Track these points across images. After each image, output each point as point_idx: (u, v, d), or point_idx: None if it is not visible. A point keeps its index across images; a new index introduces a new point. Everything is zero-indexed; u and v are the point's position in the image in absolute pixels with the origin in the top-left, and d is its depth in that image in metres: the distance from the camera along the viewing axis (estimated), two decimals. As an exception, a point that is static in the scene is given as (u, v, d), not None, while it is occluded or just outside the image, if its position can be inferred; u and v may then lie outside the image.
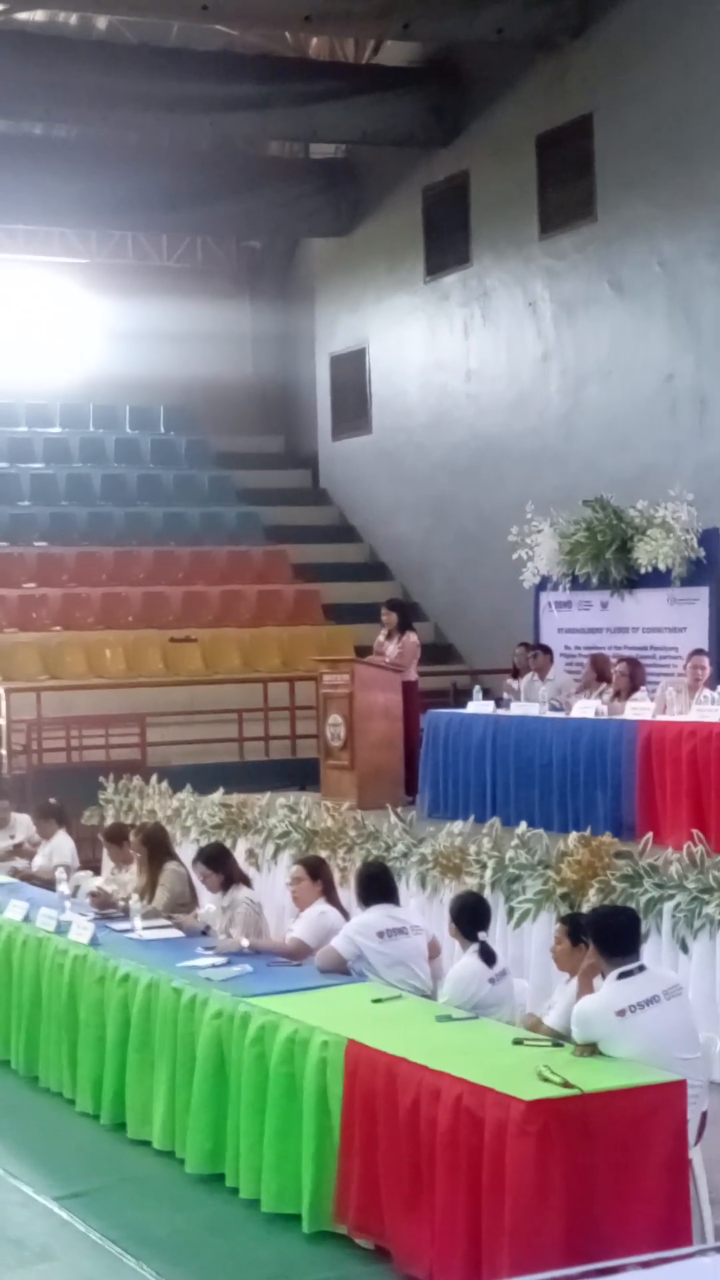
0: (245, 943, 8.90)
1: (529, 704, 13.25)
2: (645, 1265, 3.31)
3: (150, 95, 20.03)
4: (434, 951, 8.66)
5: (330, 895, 9.23)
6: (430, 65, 21.22)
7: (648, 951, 7.44)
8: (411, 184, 21.89)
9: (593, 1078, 6.14)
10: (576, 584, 14.84)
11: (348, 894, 9.65)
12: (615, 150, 17.96)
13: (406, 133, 21.08)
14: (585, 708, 12.31)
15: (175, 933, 9.64)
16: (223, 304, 26.52)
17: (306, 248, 25.68)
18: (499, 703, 13.67)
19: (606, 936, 6.78)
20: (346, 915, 8.99)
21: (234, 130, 21.89)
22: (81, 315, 26.01)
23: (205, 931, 9.61)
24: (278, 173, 24.16)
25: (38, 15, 21.83)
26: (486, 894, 9.48)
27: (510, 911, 10.02)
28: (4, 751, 17.05)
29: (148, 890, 10.30)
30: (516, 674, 14.71)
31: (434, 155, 21.26)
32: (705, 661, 12.15)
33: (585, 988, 6.82)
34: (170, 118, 20.79)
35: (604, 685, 13.07)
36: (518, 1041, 6.78)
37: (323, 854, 10.90)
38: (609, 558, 14.29)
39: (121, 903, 10.31)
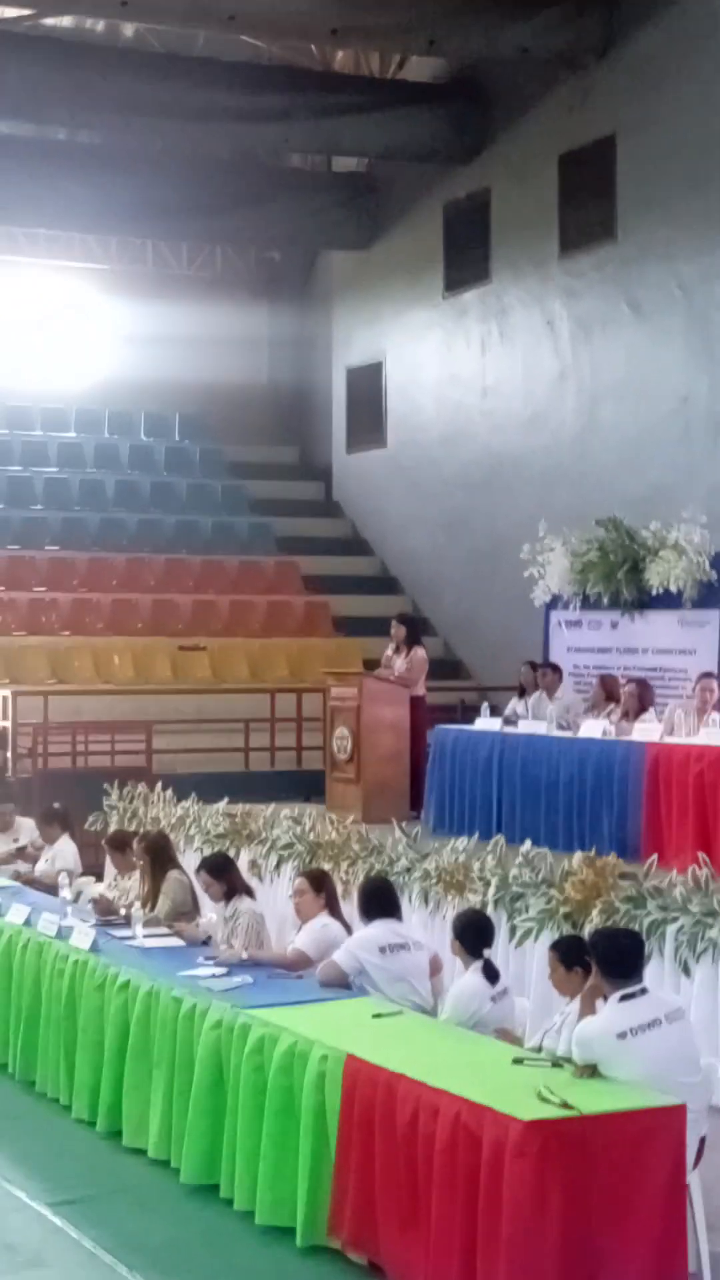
0: (244, 954, 8.88)
1: (536, 722, 13.23)
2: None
3: (174, 104, 20.07)
4: (435, 968, 8.64)
5: (333, 908, 9.21)
6: (454, 82, 21.26)
7: (650, 974, 7.41)
8: (432, 199, 21.92)
9: (592, 1099, 6.12)
10: (587, 603, 14.82)
11: (350, 907, 9.63)
12: (637, 171, 17.97)
13: (429, 148, 21.11)
14: (593, 728, 12.29)
15: (176, 941, 9.62)
16: (240, 313, 26.54)
17: (326, 260, 25.71)
18: (506, 720, 13.65)
19: (609, 958, 6.76)
20: (349, 929, 8.97)
21: (256, 141, 21.92)
22: (99, 321, 26.06)
23: (206, 941, 9.59)
24: (299, 184, 24.20)
25: (65, 21, 21.89)
26: (489, 911, 9.45)
27: (513, 930, 9.99)
28: (9, 755, 17.04)
29: (150, 898, 10.28)
30: (523, 692, 14.69)
31: (455, 171, 21.29)
32: (715, 685, 12.12)
33: (587, 1009, 6.80)
34: (193, 126, 20.83)
35: (612, 705, 13.04)
36: (517, 1061, 6.76)
37: (326, 867, 10.88)
38: (620, 578, 14.26)
39: (123, 910, 10.30)
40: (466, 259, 21.12)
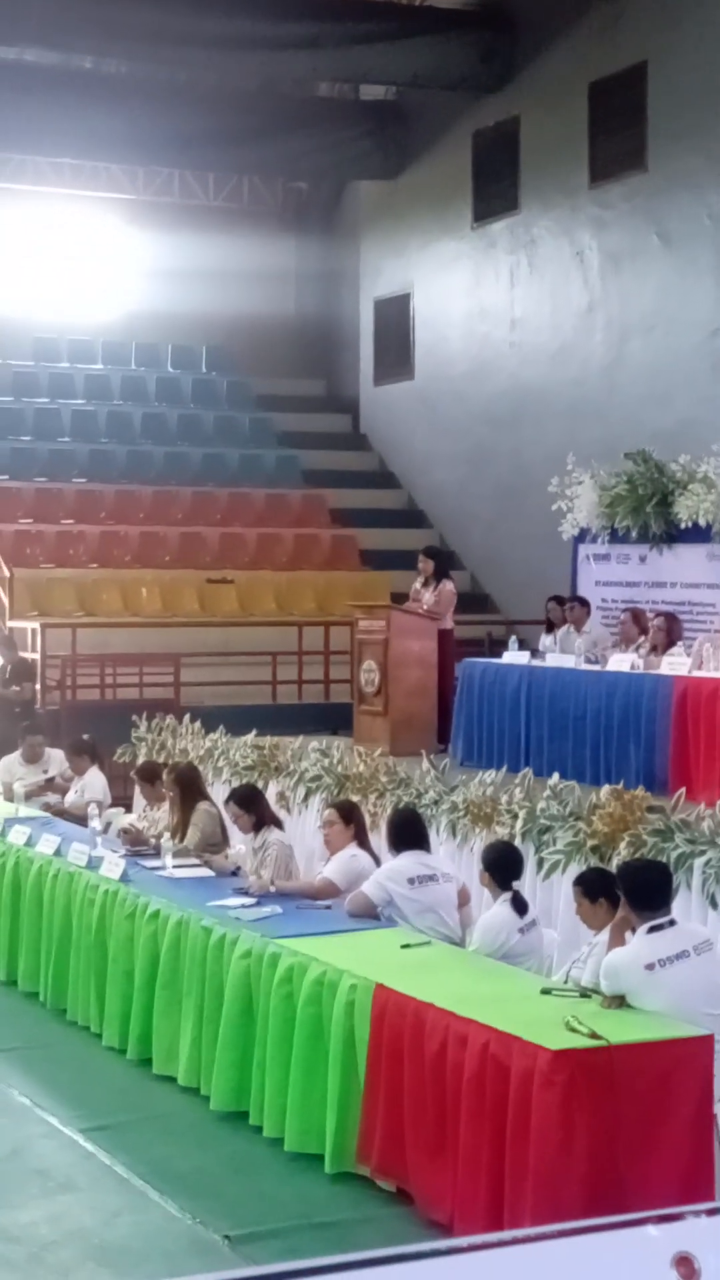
0: (272, 886, 8.94)
1: (564, 655, 13.22)
2: (665, 1219, 3.31)
3: (200, 33, 19.89)
4: (464, 899, 8.69)
5: (362, 839, 9.27)
6: (483, 9, 21.00)
7: (678, 907, 7.44)
8: (461, 129, 21.72)
9: (620, 1030, 6.16)
10: (615, 537, 14.77)
11: (378, 840, 9.67)
12: (667, 101, 17.77)
13: (457, 76, 20.89)
14: (621, 661, 12.28)
15: (206, 872, 9.70)
16: (267, 245, 26.36)
17: (353, 190, 25.52)
18: (534, 654, 13.64)
19: (638, 890, 6.79)
20: (378, 860, 9.02)
21: (283, 70, 21.71)
22: (126, 252, 25.92)
23: (236, 872, 9.65)
24: (326, 114, 23.99)
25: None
26: (517, 844, 9.48)
27: (540, 862, 10.01)
28: (39, 687, 17.10)
29: (179, 829, 10.35)
30: (550, 628, 14.67)
31: (484, 100, 21.07)
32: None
33: (617, 941, 6.83)
34: (220, 56, 20.65)
35: (642, 639, 13.03)
36: (546, 991, 6.80)
37: (354, 799, 10.92)
38: (649, 511, 14.21)
39: (153, 840, 10.37)
40: (495, 189, 20.94)
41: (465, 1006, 6.54)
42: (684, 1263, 3.15)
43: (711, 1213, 3.34)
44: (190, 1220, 6.61)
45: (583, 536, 15.22)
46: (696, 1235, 3.22)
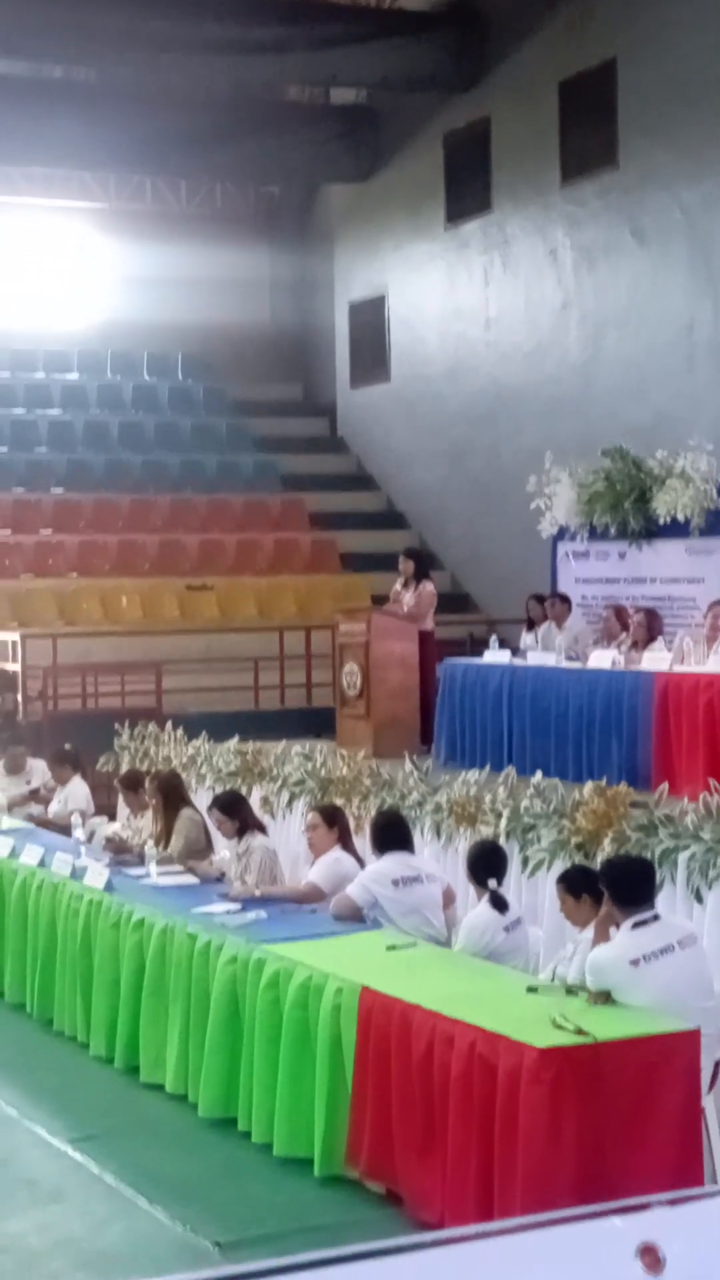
0: (257, 891, 8.92)
1: (546, 654, 13.21)
2: (629, 1210, 3.30)
3: (169, 38, 19.86)
4: (449, 900, 8.68)
5: (346, 843, 9.25)
6: (451, 9, 20.99)
7: (662, 902, 7.44)
8: (432, 130, 21.72)
9: (606, 1025, 6.14)
10: (594, 534, 14.77)
11: (362, 842, 9.65)
12: (638, 97, 17.79)
13: (427, 77, 20.89)
14: (602, 658, 12.28)
15: (190, 879, 9.67)
16: (241, 250, 26.34)
17: (326, 193, 25.52)
18: (515, 653, 13.63)
19: (621, 886, 6.78)
20: (362, 863, 9.00)
21: (253, 74, 21.69)
22: (99, 260, 25.89)
23: (220, 878, 9.63)
24: (297, 117, 23.98)
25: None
26: (501, 843, 9.47)
27: (525, 861, 10.00)
28: (20, 697, 17.06)
29: (163, 837, 10.32)
30: (530, 625, 14.67)
31: (455, 100, 21.08)
32: (724, 612, 12.08)
33: (601, 936, 6.82)
34: (189, 61, 20.61)
35: (624, 635, 13.03)
36: (531, 989, 6.78)
37: (338, 802, 10.90)
38: (628, 508, 14.20)
39: (137, 849, 10.34)
40: (467, 189, 20.94)
41: (451, 1006, 6.52)
42: (648, 1252, 3.14)
43: (675, 1202, 3.34)
44: (180, 1227, 6.59)
45: (562, 534, 15.21)
46: (661, 1225, 3.22)
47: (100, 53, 20.27)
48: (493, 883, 7.90)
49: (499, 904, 7.86)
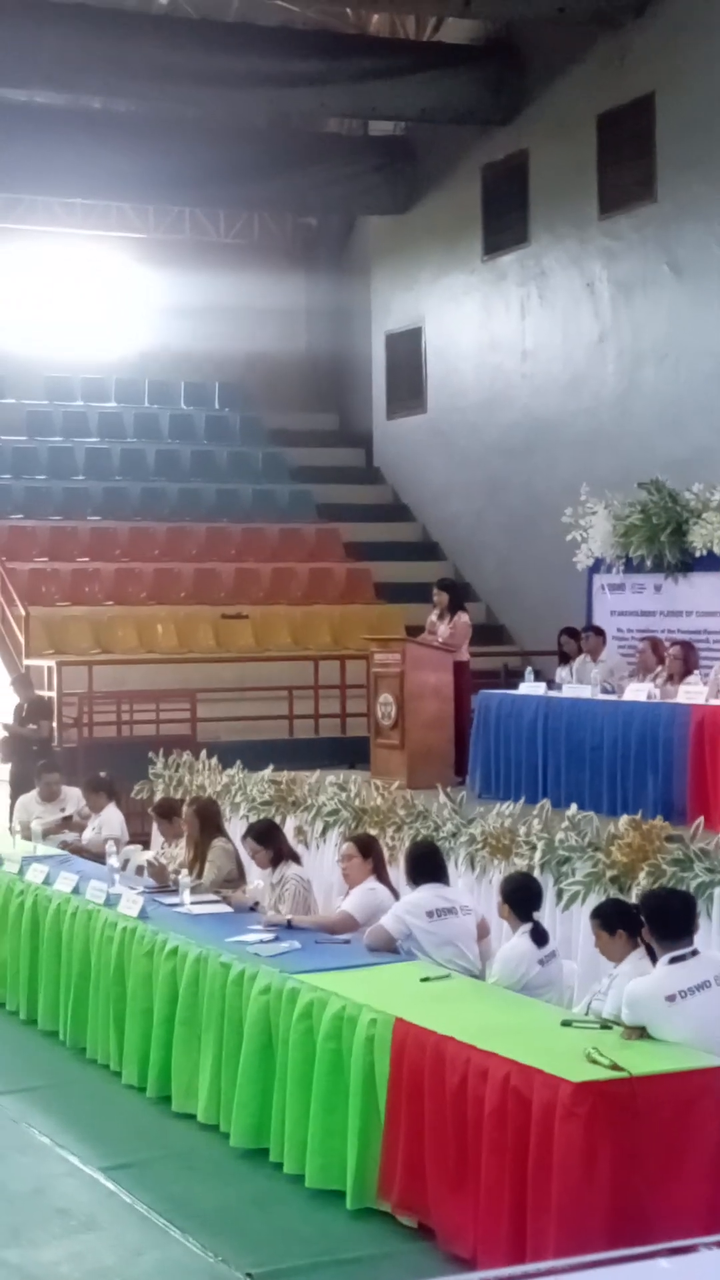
0: (291, 918, 8.91)
1: (581, 686, 13.19)
2: (676, 1252, 3.26)
3: (209, 70, 19.99)
4: (483, 932, 8.66)
5: (381, 873, 9.24)
6: (491, 43, 21.10)
7: (698, 937, 7.40)
8: (470, 162, 21.79)
9: (641, 1061, 6.12)
10: (630, 566, 14.76)
11: (397, 873, 9.64)
12: (676, 130, 17.82)
13: (466, 111, 20.98)
14: (637, 690, 12.25)
15: (224, 908, 9.67)
16: (278, 280, 26.48)
17: (363, 225, 25.62)
18: (550, 685, 13.61)
19: (659, 920, 6.75)
20: (396, 894, 8.99)
21: (292, 106, 21.82)
22: (138, 290, 26.04)
23: (254, 907, 9.62)
24: (336, 149, 24.10)
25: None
26: (535, 875, 9.45)
27: (560, 894, 9.98)
28: (55, 725, 17.10)
29: (195, 865, 10.32)
30: (564, 659, 14.65)
31: (493, 134, 21.16)
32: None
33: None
34: (229, 93, 20.74)
35: (660, 668, 13.00)
36: (566, 1023, 6.76)
37: (372, 833, 10.88)
38: (664, 540, 14.20)
39: (171, 877, 10.34)
40: (505, 222, 21.00)
41: (486, 1039, 6.50)
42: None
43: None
44: (212, 1258, 6.57)
45: (597, 566, 15.20)
46: (708, 1268, 3.19)
47: (140, 85, 20.41)
48: (535, 915, 7.88)
49: (539, 937, 7.84)
